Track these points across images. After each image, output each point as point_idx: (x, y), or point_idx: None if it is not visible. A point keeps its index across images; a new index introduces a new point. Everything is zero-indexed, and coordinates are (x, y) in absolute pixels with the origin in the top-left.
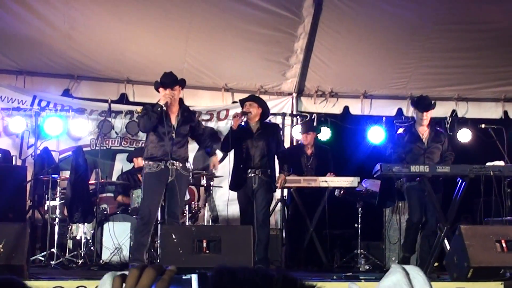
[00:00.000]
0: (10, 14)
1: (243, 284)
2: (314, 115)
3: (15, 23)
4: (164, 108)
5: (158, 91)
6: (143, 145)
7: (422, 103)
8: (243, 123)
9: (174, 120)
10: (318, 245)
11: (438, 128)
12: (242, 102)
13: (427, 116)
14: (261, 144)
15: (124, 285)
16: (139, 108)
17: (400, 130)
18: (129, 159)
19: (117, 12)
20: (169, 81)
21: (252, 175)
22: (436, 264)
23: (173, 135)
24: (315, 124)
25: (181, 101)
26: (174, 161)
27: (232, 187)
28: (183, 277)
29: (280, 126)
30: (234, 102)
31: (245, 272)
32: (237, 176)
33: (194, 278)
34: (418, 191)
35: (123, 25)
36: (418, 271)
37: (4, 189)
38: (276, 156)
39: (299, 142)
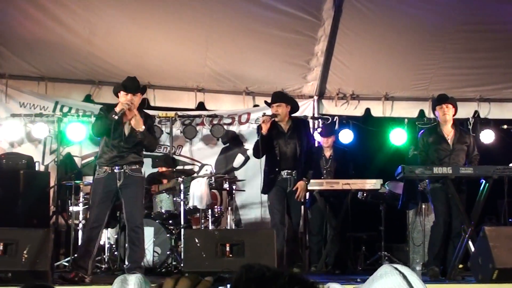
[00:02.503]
0: (31, 21)
1: (255, 276)
2: (336, 117)
3: (36, 30)
4: (117, 116)
5: (117, 96)
6: (165, 149)
7: (439, 98)
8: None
9: (126, 129)
10: (342, 248)
11: (462, 129)
12: (269, 104)
13: (448, 111)
14: (294, 143)
15: None
16: (161, 113)
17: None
18: (154, 166)
19: (138, 18)
20: (133, 86)
21: (288, 176)
22: (460, 265)
23: (122, 143)
24: (336, 126)
25: (140, 108)
26: (123, 165)
27: (264, 190)
28: None
29: None
30: (255, 105)
31: (260, 267)
32: (270, 178)
33: None
34: (442, 192)
35: (143, 30)
36: (412, 273)
37: (28, 195)
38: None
39: (318, 144)
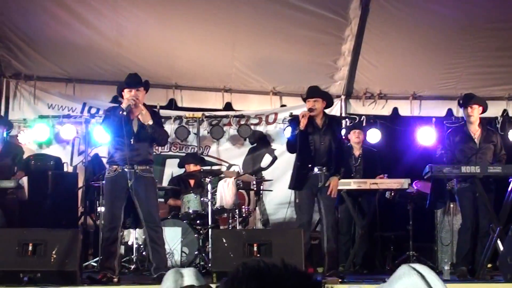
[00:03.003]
0: (60, 23)
1: (251, 270)
2: (363, 117)
3: (65, 32)
4: (124, 112)
5: (121, 95)
6: (192, 150)
7: (464, 99)
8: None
9: (135, 126)
10: (370, 247)
11: (489, 128)
12: (305, 99)
13: (473, 113)
14: (329, 139)
15: None
16: (188, 114)
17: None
18: (181, 165)
19: (165, 19)
20: (135, 81)
21: (319, 172)
22: (489, 265)
23: (132, 140)
24: (364, 125)
25: (145, 105)
26: (133, 165)
27: (295, 186)
28: None
29: None
30: (282, 105)
31: (256, 262)
32: (301, 174)
33: None
34: (470, 192)
35: (171, 32)
36: (430, 272)
37: (56, 196)
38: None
39: (348, 144)
